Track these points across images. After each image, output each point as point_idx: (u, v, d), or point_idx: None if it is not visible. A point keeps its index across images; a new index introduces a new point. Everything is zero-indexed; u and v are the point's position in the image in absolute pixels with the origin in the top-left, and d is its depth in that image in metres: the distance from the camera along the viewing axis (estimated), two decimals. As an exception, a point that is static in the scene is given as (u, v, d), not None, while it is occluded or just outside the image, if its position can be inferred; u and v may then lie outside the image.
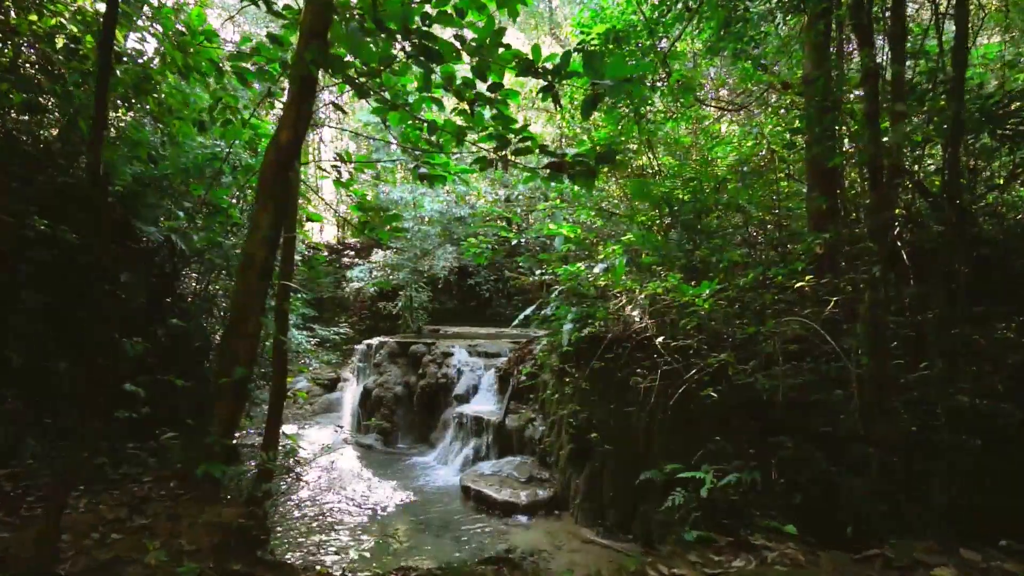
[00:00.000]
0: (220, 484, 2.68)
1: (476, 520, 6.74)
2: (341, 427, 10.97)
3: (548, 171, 4.09)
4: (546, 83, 4.00)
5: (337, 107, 3.22)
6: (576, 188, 9.48)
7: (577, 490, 6.71)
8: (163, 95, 4.55)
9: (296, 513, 6.72)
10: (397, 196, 11.66)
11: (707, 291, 4.62)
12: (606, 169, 10.39)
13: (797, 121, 6.45)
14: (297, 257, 6.63)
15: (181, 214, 5.37)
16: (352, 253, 19.63)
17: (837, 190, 5.70)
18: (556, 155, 3.92)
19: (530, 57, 3.91)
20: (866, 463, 3.92)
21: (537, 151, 4.01)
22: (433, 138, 5.25)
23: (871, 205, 3.67)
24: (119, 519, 2.74)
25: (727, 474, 5.05)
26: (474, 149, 4.37)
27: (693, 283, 4.75)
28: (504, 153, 4.30)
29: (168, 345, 5.94)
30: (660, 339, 4.67)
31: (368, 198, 6.67)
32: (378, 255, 13.56)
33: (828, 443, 4.59)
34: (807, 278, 4.01)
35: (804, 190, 7.73)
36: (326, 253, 20.47)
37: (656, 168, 7.42)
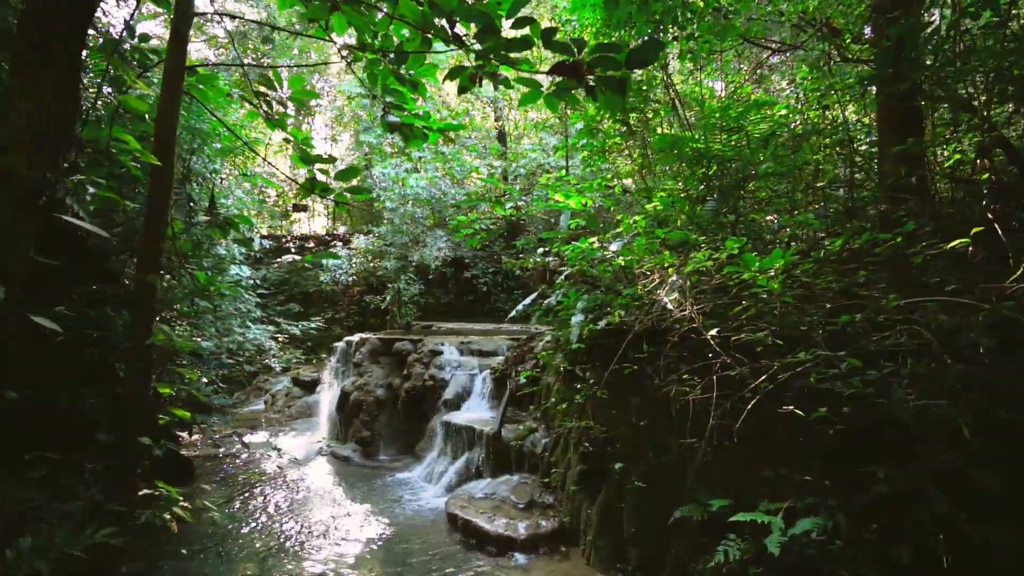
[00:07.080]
0: None
1: (464, 559, 5.42)
2: (296, 453, 9.38)
3: (558, 80, 2.77)
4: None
5: None
6: (587, 146, 8.08)
7: (589, 522, 5.38)
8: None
9: (235, 552, 5.40)
10: (378, 172, 10.30)
11: (778, 263, 3.28)
12: (618, 139, 8.98)
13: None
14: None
15: (66, 165, 4.01)
16: (340, 244, 18.35)
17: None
18: (568, 47, 2.58)
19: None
20: None
21: (539, 42, 2.66)
22: (403, 72, 4.00)
23: None
24: None
25: (795, 515, 3.75)
26: (450, 61, 3.06)
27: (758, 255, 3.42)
28: (490, 59, 2.99)
29: (68, 344, 4.61)
30: (714, 332, 3.32)
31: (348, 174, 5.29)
32: (360, 240, 12.19)
33: (949, 479, 3.28)
34: (975, 230, 2.61)
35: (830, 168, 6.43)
36: (312, 244, 19.19)
37: (685, 123, 6.06)
